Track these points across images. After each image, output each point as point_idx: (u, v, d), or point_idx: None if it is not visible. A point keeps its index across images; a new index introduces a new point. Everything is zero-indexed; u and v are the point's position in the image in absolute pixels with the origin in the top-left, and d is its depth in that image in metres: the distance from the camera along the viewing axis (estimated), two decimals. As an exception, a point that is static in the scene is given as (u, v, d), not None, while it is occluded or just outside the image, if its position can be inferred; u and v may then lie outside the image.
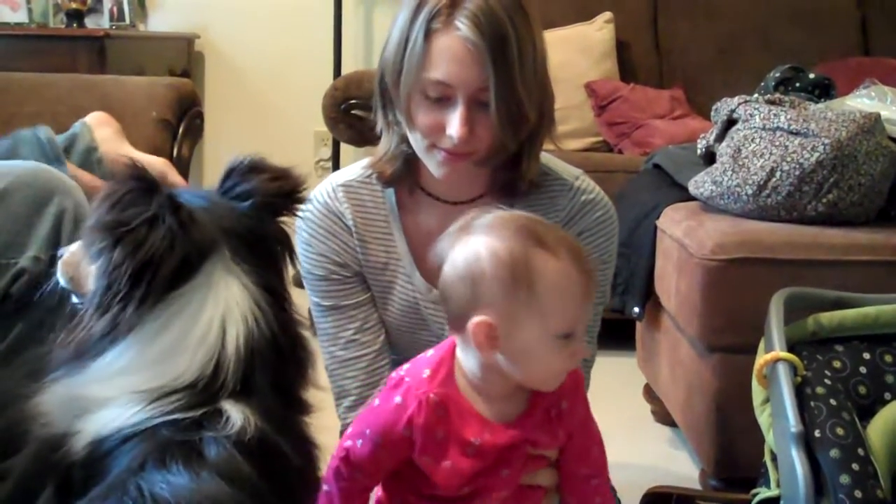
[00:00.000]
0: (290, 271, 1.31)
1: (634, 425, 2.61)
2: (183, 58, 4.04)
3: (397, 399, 1.19)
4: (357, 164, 1.70)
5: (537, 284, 1.14)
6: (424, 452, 1.18)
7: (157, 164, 1.89)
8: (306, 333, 1.24)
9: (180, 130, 2.55)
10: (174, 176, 1.92)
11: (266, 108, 4.20)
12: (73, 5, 3.82)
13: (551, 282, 1.14)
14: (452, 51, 1.44)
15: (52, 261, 1.60)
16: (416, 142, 1.53)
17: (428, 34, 1.44)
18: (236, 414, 1.03)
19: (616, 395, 2.69)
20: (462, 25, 1.42)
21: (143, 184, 1.11)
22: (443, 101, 1.47)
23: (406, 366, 1.24)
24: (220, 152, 3.43)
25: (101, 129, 2.04)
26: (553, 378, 1.19)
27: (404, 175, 1.61)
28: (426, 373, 1.20)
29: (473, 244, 1.16)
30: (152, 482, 0.93)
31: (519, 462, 1.21)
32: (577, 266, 1.16)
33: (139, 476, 0.93)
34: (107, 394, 1.07)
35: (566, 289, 1.15)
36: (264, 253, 1.22)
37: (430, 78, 1.45)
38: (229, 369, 1.07)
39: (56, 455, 1.07)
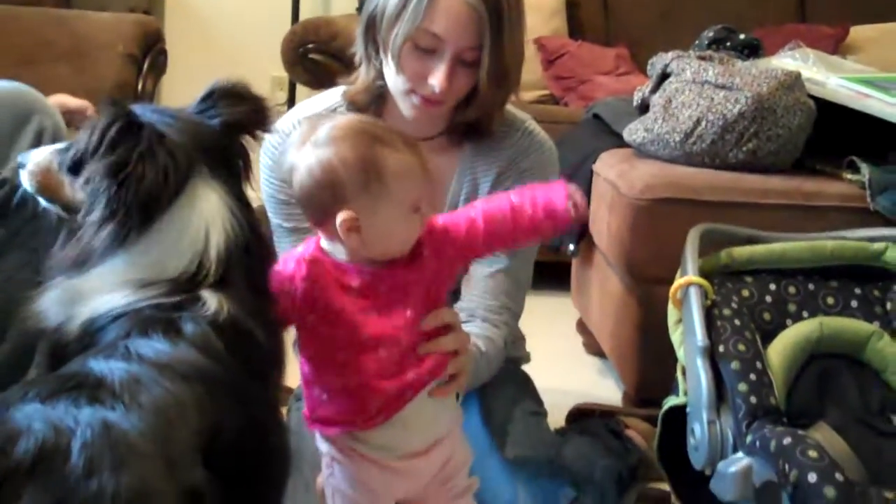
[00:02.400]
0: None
1: (566, 356, 2.79)
2: (144, -3, 4.12)
3: (280, 267, 1.35)
4: (320, 97, 1.82)
5: (386, 176, 1.30)
6: (316, 304, 1.33)
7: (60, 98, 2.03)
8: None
9: (145, 65, 2.67)
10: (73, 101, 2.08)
11: (224, 52, 4.27)
12: (39, -58, 3.87)
13: (397, 171, 1.31)
14: (454, 10, 1.57)
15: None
16: (397, 83, 1.65)
17: None
18: (213, 300, 1.16)
19: (550, 330, 2.86)
20: None
21: (126, 117, 1.20)
22: (430, 52, 1.60)
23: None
24: (176, 94, 3.52)
25: None
26: (409, 244, 1.36)
27: (371, 108, 1.74)
28: (300, 248, 1.38)
29: (325, 154, 1.31)
30: (137, 345, 1.06)
31: (407, 297, 1.36)
32: (413, 152, 1.33)
33: (126, 340, 1.07)
34: (100, 288, 1.18)
35: (409, 173, 1.32)
36: (232, 166, 1.35)
37: (428, 30, 1.58)
38: (210, 266, 1.20)
39: (52, 337, 1.19)
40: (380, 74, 1.70)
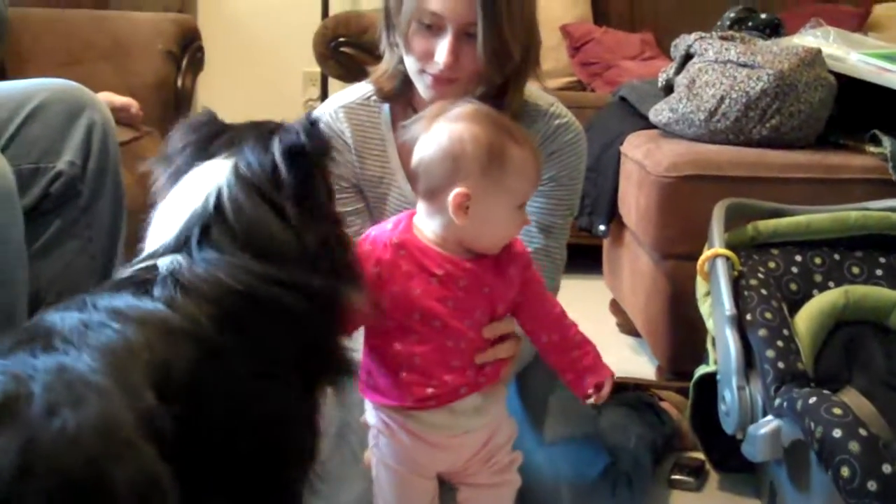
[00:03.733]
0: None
1: (600, 336, 2.73)
2: (177, -2, 4.21)
3: (367, 247, 1.42)
4: (355, 88, 1.88)
5: (507, 166, 1.38)
6: (394, 283, 1.40)
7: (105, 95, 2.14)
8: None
9: (184, 63, 2.75)
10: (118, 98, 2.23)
11: (256, 49, 4.36)
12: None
13: (517, 165, 1.39)
14: None
15: (84, 166, 1.83)
16: (410, 64, 1.71)
17: None
18: (185, 261, 1.12)
19: (584, 311, 2.84)
20: None
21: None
22: (434, 29, 1.64)
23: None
24: (212, 92, 3.61)
25: None
26: (502, 241, 1.43)
27: (400, 93, 1.79)
28: (388, 226, 1.45)
29: (457, 128, 1.38)
30: (97, 299, 1.05)
31: (480, 299, 1.42)
32: (534, 156, 1.42)
33: (91, 296, 1.06)
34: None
35: (526, 171, 1.40)
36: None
37: (426, 8, 1.63)
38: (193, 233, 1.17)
39: None
40: (401, 59, 1.75)
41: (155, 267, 1.11)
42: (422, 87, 1.73)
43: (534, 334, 1.49)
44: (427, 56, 1.67)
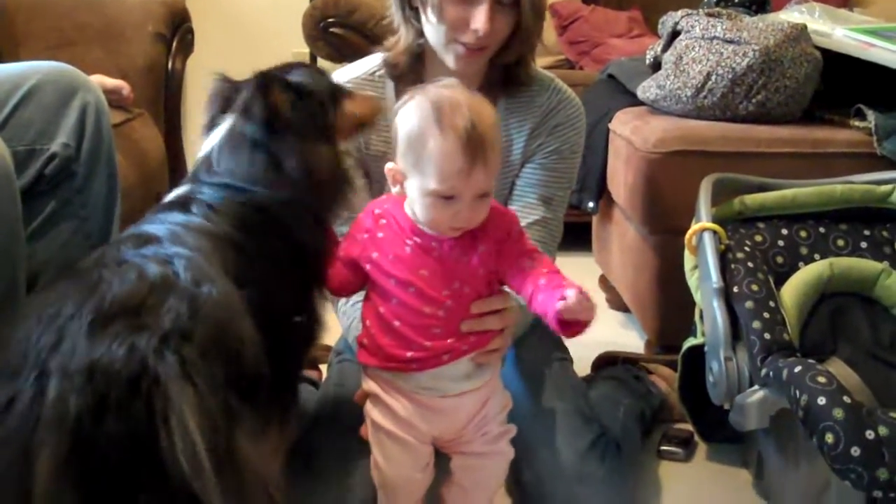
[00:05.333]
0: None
1: None
2: (166, -20, 4.21)
3: (360, 215, 1.51)
4: (360, 63, 1.90)
5: (422, 153, 1.38)
6: (374, 248, 1.46)
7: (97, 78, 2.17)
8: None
9: (174, 44, 2.76)
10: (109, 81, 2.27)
11: (245, 30, 4.38)
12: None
13: (433, 154, 1.37)
14: None
15: (79, 147, 1.84)
16: (439, 35, 1.73)
17: None
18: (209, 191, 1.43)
19: None
20: None
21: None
22: None
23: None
24: (202, 73, 3.61)
25: None
26: (441, 227, 1.44)
27: (410, 70, 1.83)
28: (384, 198, 1.53)
29: (406, 105, 1.43)
30: (163, 216, 1.36)
31: (459, 269, 1.45)
32: (459, 150, 1.36)
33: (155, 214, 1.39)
34: None
35: (443, 163, 1.37)
36: None
37: None
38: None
39: None
40: (419, 34, 1.78)
41: (188, 192, 1.43)
42: (451, 57, 1.76)
43: (521, 289, 1.47)
44: (461, 24, 1.70)
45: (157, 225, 1.32)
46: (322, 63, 4.07)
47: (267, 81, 1.49)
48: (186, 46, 2.83)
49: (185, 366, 1.04)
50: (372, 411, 1.52)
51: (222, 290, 1.17)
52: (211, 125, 1.52)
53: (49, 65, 1.87)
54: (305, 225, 1.46)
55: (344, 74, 1.88)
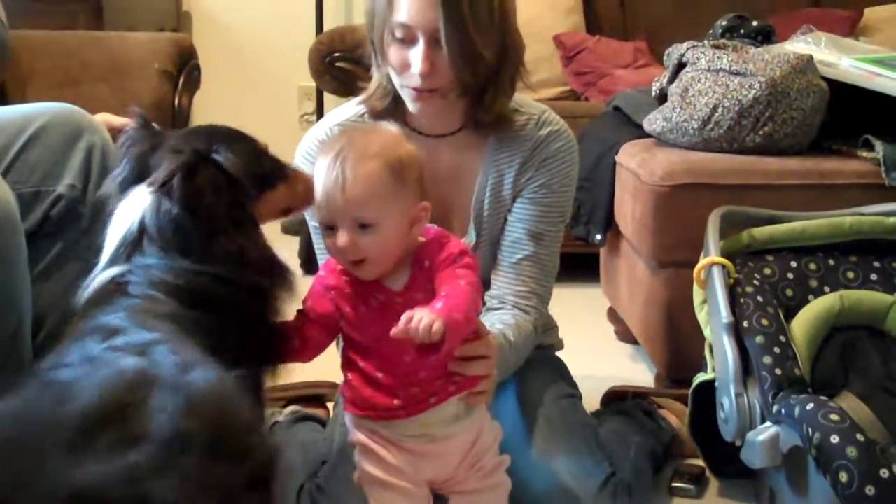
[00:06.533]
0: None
1: (599, 345, 2.87)
2: (172, 16, 4.23)
3: (321, 272, 1.51)
4: (348, 105, 1.90)
5: (311, 186, 1.45)
6: (345, 304, 1.46)
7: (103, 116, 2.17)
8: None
9: (180, 82, 2.78)
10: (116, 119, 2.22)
11: (252, 65, 4.39)
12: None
13: (318, 176, 1.43)
14: None
15: (85, 188, 1.84)
16: (394, 80, 1.74)
17: None
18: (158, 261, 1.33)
19: (583, 320, 2.93)
20: None
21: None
22: (407, 41, 1.67)
23: None
24: (208, 109, 3.64)
25: None
26: (340, 262, 1.46)
27: (392, 110, 1.82)
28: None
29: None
30: (113, 306, 1.25)
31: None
32: (335, 180, 1.41)
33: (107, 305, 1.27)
34: None
35: (320, 193, 1.43)
36: None
37: (395, 20, 1.66)
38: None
39: None
40: (389, 78, 1.77)
41: (118, 275, 1.32)
42: (407, 100, 1.75)
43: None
44: (404, 68, 1.69)
45: (110, 316, 1.20)
46: (328, 98, 4.11)
47: (194, 162, 1.35)
48: (193, 83, 2.84)
49: (192, 483, 0.90)
50: (362, 461, 1.51)
51: (213, 376, 1.04)
52: (125, 186, 1.41)
53: (55, 106, 1.87)
54: (251, 302, 1.37)
55: (335, 117, 1.88)
